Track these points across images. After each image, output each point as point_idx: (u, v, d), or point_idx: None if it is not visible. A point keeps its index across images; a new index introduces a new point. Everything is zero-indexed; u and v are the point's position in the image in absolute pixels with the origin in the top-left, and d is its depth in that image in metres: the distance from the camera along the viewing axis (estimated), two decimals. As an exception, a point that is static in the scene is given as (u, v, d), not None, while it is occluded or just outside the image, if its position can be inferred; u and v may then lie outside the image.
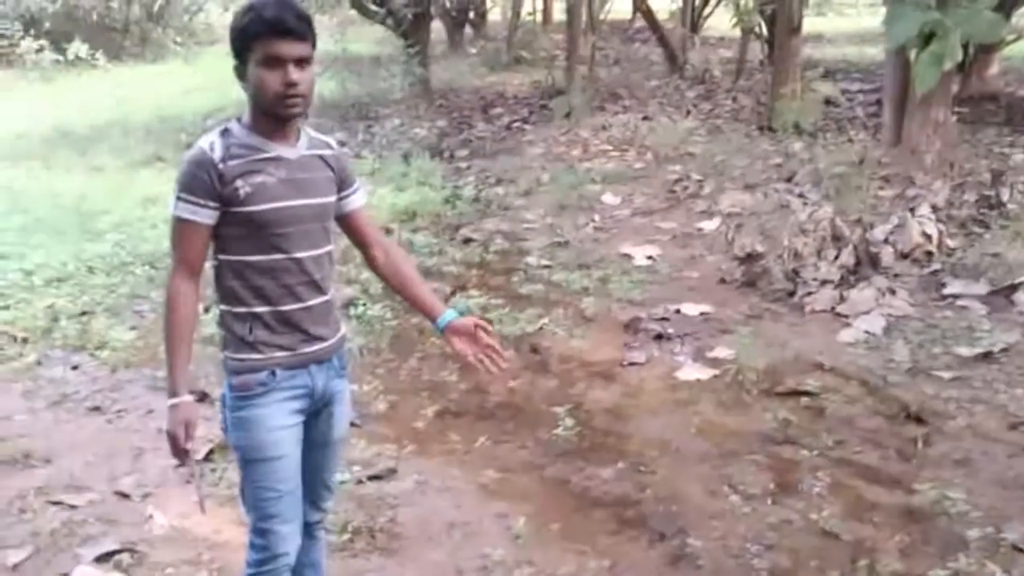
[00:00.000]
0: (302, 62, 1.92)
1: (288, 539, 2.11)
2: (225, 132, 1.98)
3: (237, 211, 1.94)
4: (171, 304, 2.00)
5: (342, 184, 2.13)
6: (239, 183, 1.92)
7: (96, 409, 4.02)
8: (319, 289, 2.07)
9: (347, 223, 2.20)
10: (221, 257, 2.02)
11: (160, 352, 4.47)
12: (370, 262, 2.27)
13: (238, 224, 1.96)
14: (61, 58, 16.15)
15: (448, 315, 2.19)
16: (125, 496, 3.30)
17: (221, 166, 1.92)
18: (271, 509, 2.08)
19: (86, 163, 9.10)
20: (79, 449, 3.65)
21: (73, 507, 3.21)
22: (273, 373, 2.02)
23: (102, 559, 2.91)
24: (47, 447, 3.66)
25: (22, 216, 6.96)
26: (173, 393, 2.00)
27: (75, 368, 4.42)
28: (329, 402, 2.16)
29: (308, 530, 2.26)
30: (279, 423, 2.04)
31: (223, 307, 2.04)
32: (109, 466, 3.52)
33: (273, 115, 1.96)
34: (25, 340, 4.71)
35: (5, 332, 4.76)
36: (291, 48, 1.90)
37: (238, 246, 1.98)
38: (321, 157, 2.08)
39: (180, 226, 1.97)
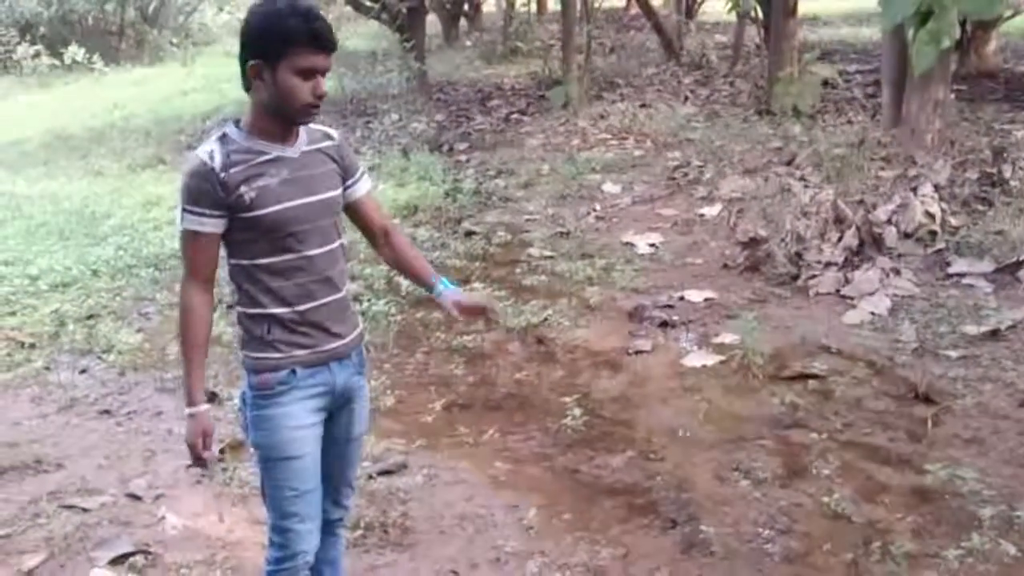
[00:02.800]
0: (326, 72, 1.95)
1: (307, 537, 2.12)
2: (223, 138, 1.96)
3: (244, 217, 1.93)
4: (186, 315, 2.00)
5: (346, 173, 2.12)
6: (243, 189, 1.91)
7: (105, 412, 4.03)
8: (334, 286, 2.07)
9: (353, 211, 2.19)
10: (233, 261, 2.02)
11: (168, 354, 4.54)
12: (377, 249, 2.29)
13: (247, 229, 1.95)
14: (58, 63, 16.14)
15: (439, 286, 2.26)
16: (137, 498, 3.31)
17: (223, 175, 1.91)
18: (291, 508, 2.08)
19: (87, 167, 9.10)
20: (90, 453, 3.67)
21: (86, 510, 3.22)
22: (293, 372, 2.02)
23: (117, 561, 2.92)
24: (58, 452, 3.67)
25: (25, 222, 6.97)
26: (191, 403, 2.01)
27: (83, 372, 4.43)
28: (349, 399, 2.16)
29: (329, 528, 2.27)
30: (300, 422, 2.05)
31: (239, 308, 2.05)
32: (120, 469, 3.53)
33: (291, 121, 1.97)
34: (32, 345, 4.72)
35: (12, 338, 4.77)
36: (326, 61, 1.92)
37: (250, 250, 1.98)
38: (322, 151, 2.07)
39: (189, 238, 1.97)
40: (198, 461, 2.07)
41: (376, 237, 2.26)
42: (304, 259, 2.00)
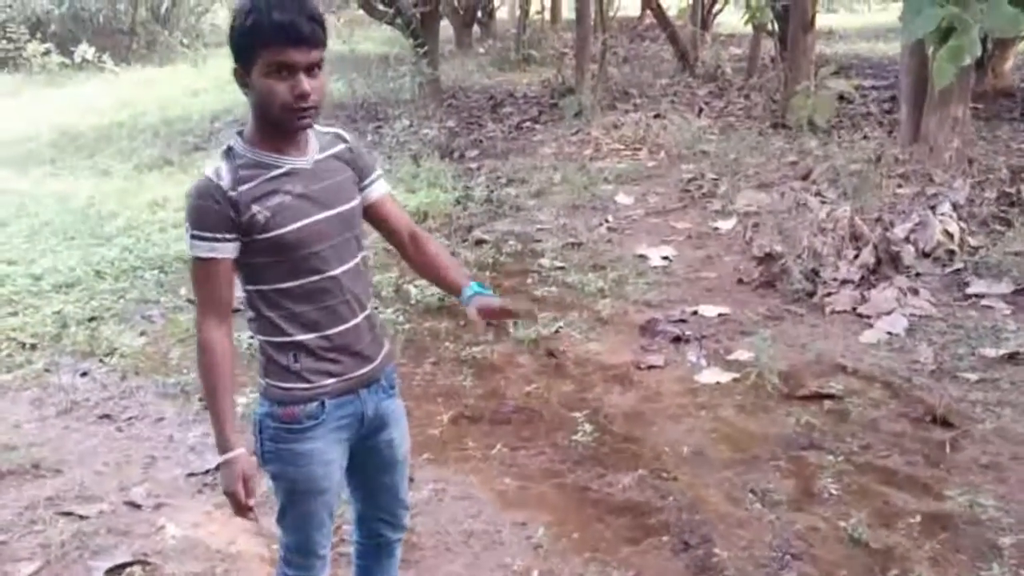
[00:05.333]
0: (313, 68, 1.73)
1: (327, 563, 2.07)
2: (229, 153, 1.79)
3: (260, 239, 1.77)
4: (208, 356, 1.81)
5: (361, 176, 1.96)
6: (256, 208, 1.75)
7: (106, 417, 3.97)
8: (361, 304, 1.93)
9: (372, 214, 2.00)
10: (251, 288, 1.86)
11: (170, 358, 4.48)
12: (405, 255, 2.11)
13: (263, 252, 1.79)
14: (68, 61, 16.15)
15: (467, 291, 2.03)
16: (136, 506, 3.25)
17: (233, 194, 1.74)
18: (315, 536, 2.01)
19: (93, 166, 9.07)
20: (89, 458, 3.61)
21: (84, 518, 3.16)
22: (322, 404, 1.89)
23: (114, 571, 2.86)
24: (57, 456, 3.61)
25: (30, 220, 6.93)
26: (225, 448, 1.84)
27: (84, 375, 4.37)
28: (383, 425, 2.03)
29: (389, 549, 2.24)
30: (329, 457, 1.93)
31: (261, 337, 1.89)
32: (120, 475, 3.47)
33: (282, 128, 1.78)
34: (34, 347, 4.66)
35: (14, 339, 4.72)
36: (303, 56, 1.70)
37: (269, 274, 1.82)
38: (336, 156, 1.90)
39: (201, 266, 1.78)
40: (243, 511, 1.90)
41: (403, 242, 2.07)
42: (329, 280, 1.84)
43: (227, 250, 1.77)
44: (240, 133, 1.84)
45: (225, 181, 1.75)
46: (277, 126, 1.78)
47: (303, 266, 1.82)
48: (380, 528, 2.19)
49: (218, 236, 1.75)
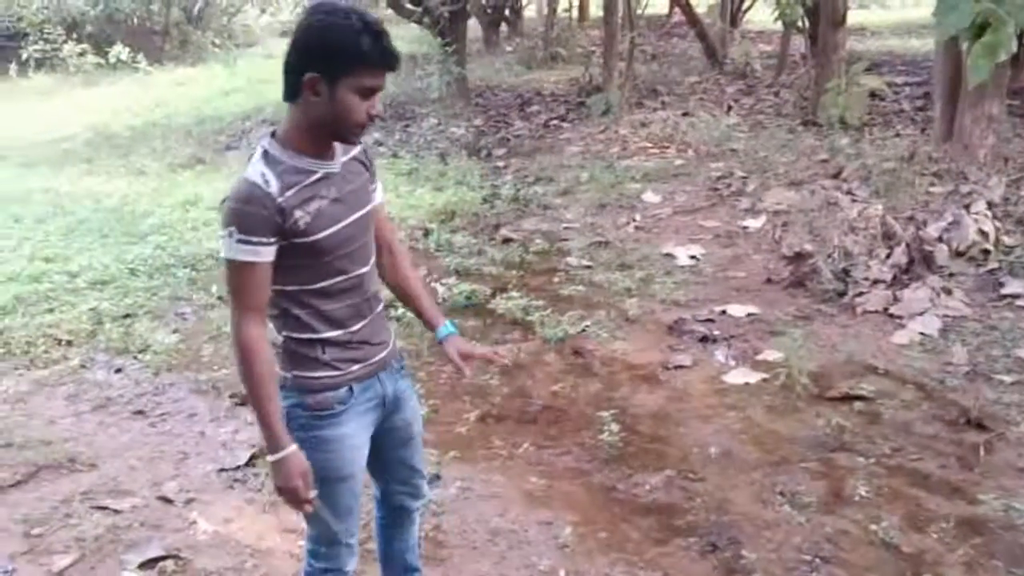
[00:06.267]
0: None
1: (354, 553, 2.13)
2: (268, 157, 1.81)
3: (298, 243, 1.81)
4: (250, 356, 1.82)
5: (372, 177, 2.03)
6: (298, 214, 1.80)
7: (139, 413, 4.03)
8: (378, 299, 2.05)
9: None
10: (279, 288, 1.88)
11: (202, 355, 4.53)
12: (378, 265, 2.11)
13: (298, 255, 1.83)
14: (103, 61, 16.40)
15: (444, 330, 2.21)
16: (168, 501, 3.30)
17: (280, 200, 1.77)
18: (343, 524, 2.06)
19: (128, 165, 9.21)
20: (123, 453, 3.66)
21: (117, 512, 3.22)
22: (350, 389, 1.97)
23: (146, 565, 2.91)
24: (92, 451, 3.67)
25: (66, 219, 7.05)
26: (277, 447, 1.86)
27: (118, 371, 4.44)
28: (399, 405, 2.13)
29: (411, 517, 2.35)
30: (357, 441, 2.01)
31: (285, 333, 1.94)
32: (152, 471, 3.52)
33: (340, 139, 1.86)
34: (70, 343, 4.74)
35: (50, 335, 4.80)
36: (384, 81, 1.81)
37: (300, 276, 1.87)
38: (355, 158, 1.97)
39: (242, 269, 1.79)
40: (303, 505, 1.91)
41: (380, 252, 2.10)
42: (355, 278, 1.94)
43: (269, 254, 1.80)
44: (272, 135, 1.86)
45: (274, 188, 1.77)
46: (334, 137, 1.85)
47: (334, 267, 1.89)
48: (402, 501, 2.29)
49: (264, 240, 1.78)
